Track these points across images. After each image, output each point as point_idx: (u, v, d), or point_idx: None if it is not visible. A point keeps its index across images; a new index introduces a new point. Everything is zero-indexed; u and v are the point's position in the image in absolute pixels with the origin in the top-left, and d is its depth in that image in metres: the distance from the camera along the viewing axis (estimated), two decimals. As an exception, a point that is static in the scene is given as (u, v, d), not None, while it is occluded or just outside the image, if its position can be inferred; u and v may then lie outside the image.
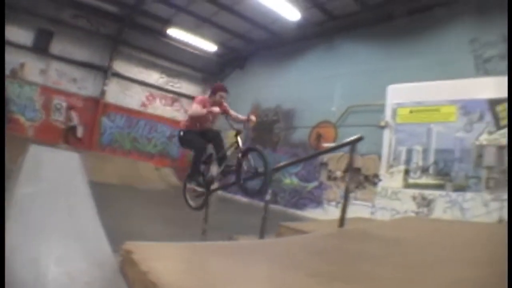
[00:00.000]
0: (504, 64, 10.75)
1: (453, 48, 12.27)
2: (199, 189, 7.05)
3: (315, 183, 15.78)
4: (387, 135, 13.11)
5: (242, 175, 6.16)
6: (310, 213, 15.06)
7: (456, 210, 10.75)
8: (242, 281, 3.08)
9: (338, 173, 14.66)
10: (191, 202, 7.31)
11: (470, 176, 10.85)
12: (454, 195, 10.96)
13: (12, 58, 16.50)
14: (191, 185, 7.27)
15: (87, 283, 3.08)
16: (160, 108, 22.17)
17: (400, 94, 12.97)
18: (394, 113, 13.04)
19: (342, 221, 5.79)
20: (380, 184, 12.88)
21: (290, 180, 16.74)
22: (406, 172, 12.33)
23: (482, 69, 11.55)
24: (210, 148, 6.90)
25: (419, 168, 12.09)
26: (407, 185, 12.15)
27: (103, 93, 19.79)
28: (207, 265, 3.48)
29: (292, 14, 15.65)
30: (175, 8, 17.37)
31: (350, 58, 15.76)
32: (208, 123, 6.78)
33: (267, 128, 18.62)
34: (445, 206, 11.03)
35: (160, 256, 3.40)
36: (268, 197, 6.88)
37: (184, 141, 6.83)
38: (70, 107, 18.82)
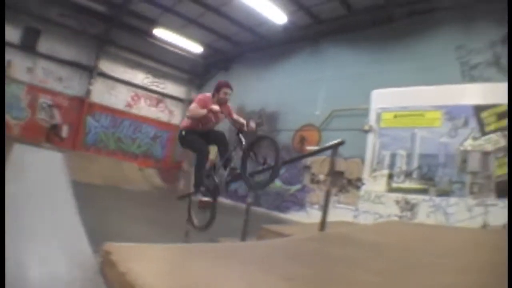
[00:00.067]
0: (490, 71, 10.90)
1: (439, 54, 12.18)
2: (205, 198, 6.23)
3: (298, 186, 15.59)
4: (371, 139, 12.92)
5: (247, 170, 5.77)
6: (293, 215, 14.89)
7: (440, 214, 10.62)
8: (218, 283, 3.01)
9: (321, 177, 14.43)
10: (195, 220, 6.57)
11: (454, 181, 10.77)
12: (437, 199, 10.84)
13: (-1, 56, 15.90)
14: (197, 198, 6.36)
15: (67, 283, 3.07)
16: (145, 108, 21.75)
17: (385, 99, 12.82)
18: (379, 117, 12.85)
19: (323, 224, 5.75)
20: (364, 188, 12.67)
21: (273, 182, 16.23)
22: (390, 176, 12.18)
23: (468, 75, 11.53)
24: (213, 152, 6.27)
25: (402, 172, 11.95)
26: (391, 189, 11.99)
27: (88, 92, 19.34)
28: (186, 267, 3.41)
29: (279, 17, 15.41)
30: (162, 8, 17.01)
31: (335, 62, 15.59)
32: (211, 124, 6.21)
33: (251, 131, 18.12)
34: (428, 210, 10.89)
35: (139, 258, 3.32)
36: (249, 200, 6.59)
37: (185, 142, 6.22)
38: (52, 105, 18.22)
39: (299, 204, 15.23)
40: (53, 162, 8.92)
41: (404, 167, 11.94)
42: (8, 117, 16.82)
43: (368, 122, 13.00)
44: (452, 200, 10.51)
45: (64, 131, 18.74)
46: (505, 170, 9.73)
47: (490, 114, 10.40)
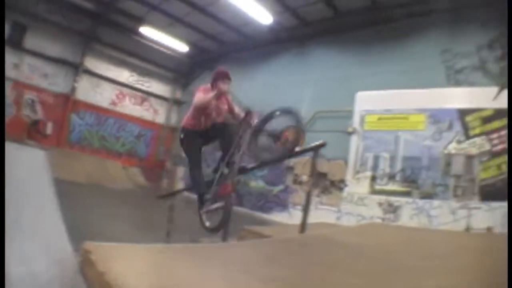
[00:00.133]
0: (475, 75, 10.84)
1: (425, 58, 12.04)
2: (217, 205, 5.36)
3: (281, 187, 15.35)
4: (354, 141, 12.81)
5: (256, 148, 5.37)
6: (276, 216, 14.64)
7: (423, 217, 10.55)
8: (197, 284, 3.00)
9: (304, 178, 14.13)
10: (208, 223, 5.59)
11: (437, 184, 10.71)
12: (421, 202, 10.77)
13: (-16, 52, 15.35)
14: (208, 207, 5.43)
15: (47, 282, 3.02)
16: (130, 107, 21.18)
17: (369, 101, 12.72)
18: (362, 119, 12.76)
19: (303, 226, 5.66)
20: (346, 190, 12.56)
21: (256, 183, 16.21)
22: (373, 178, 12.09)
23: (453, 79, 11.42)
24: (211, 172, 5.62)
25: (386, 174, 11.86)
26: (374, 191, 11.90)
27: (73, 89, 18.73)
28: (166, 267, 3.35)
29: (265, 18, 15.12)
30: (148, 6, 16.59)
31: (321, 63, 15.35)
32: (214, 116, 5.52)
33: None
34: (411, 213, 10.81)
35: (119, 257, 3.24)
36: (231, 200, 6.13)
37: (182, 144, 5.63)
38: (35, 100, 17.64)
39: (282, 204, 14.98)
40: (35, 159, 8.53)
41: (387, 170, 11.84)
42: (-7, 113, 16.23)
43: (351, 124, 12.85)
44: (436, 202, 10.44)
45: (49, 128, 18.16)
46: (489, 173, 9.79)
47: (474, 118, 10.38)
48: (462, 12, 11.44)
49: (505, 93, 9.73)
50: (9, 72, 16.42)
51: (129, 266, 3.10)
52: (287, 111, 5.32)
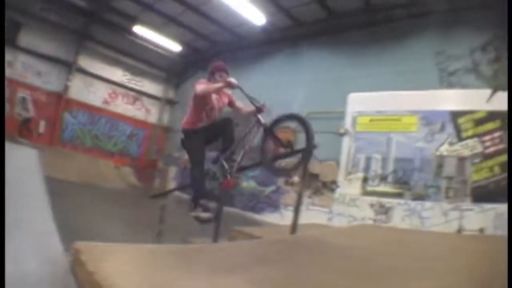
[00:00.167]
0: (468, 78, 10.78)
1: (418, 60, 11.94)
2: (206, 215, 5.25)
3: (273, 188, 15.17)
4: (346, 142, 12.75)
5: (267, 154, 5.25)
6: (267, 217, 14.48)
7: (415, 218, 10.48)
8: (184, 285, 3.01)
9: (296, 178, 13.93)
10: (201, 214, 5.37)
11: (429, 185, 10.63)
12: (413, 203, 10.70)
13: (-21, 50, 15.13)
14: (196, 212, 5.23)
15: (38, 281, 2.99)
16: (122, 106, 20.92)
17: (361, 103, 12.66)
18: (354, 121, 12.70)
19: (294, 227, 5.68)
20: (338, 191, 12.48)
21: (248, 183, 16.05)
22: (365, 179, 12.02)
23: (446, 81, 11.32)
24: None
25: (377, 176, 11.79)
26: (365, 193, 11.82)
27: (66, 88, 18.46)
28: (154, 267, 3.37)
29: (258, 18, 14.97)
30: (142, 5, 16.39)
31: (313, 64, 15.21)
32: (215, 110, 5.37)
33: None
34: (403, 214, 10.74)
35: (109, 257, 3.25)
36: (221, 200, 6.09)
37: (184, 144, 5.43)
38: (27, 98, 17.37)
39: (274, 205, 14.83)
40: (27, 158, 8.58)
41: (379, 171, 11.77)
42: (-13, 112, 16.02)
43: (343, 126, 12.80)
44: (428, 204, 10.38)
45: (42, 127, 17.91)
46: (481, 175, 9.74)
47: (467, 120, 10.34)
48: (456, 14, 11.36)
49: (498, 95, 9.69)
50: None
51: (119, 266, 3.13)
52: (298, 119, 5.24)
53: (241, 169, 5.50)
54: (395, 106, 11.78)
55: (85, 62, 18.97)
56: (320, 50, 15.23)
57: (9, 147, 10.07)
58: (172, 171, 20.34)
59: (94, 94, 19.60)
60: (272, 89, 15.58)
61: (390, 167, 11.54)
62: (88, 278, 2.80)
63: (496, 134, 9.71)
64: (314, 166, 12.54)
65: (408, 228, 9.94)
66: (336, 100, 13.13)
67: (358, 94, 12.65)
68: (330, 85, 13.97)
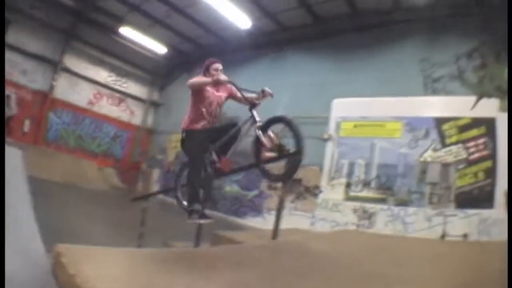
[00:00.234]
0: (453, 84, 10.71)
1: (402, 66, 11.87)
2: (201, 221, 4.69)
3: (256, 192, 14.91)
4: (330, 147, 12.61)
5: (262, 155, 4.88)
6: (250, 221, 14.24)
7: (398, 224, 10.39)
8: None
9: (279, 183, 13.68)
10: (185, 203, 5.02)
11: (413, 191, 10.55)
12: (396, 209, 10.60)
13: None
14: (191, 219, 4.56)
15: (20, 283, 2.98)
16: (107, 107, 20.47)
17: (345, 108, 12.59)
18: (338, 126, 12.60)
19: (275, 232, 5.75)
20: (321, 196, 12.34)
21: (231, 187, 15.77)
22: (348, 185, 11.90)
23: (431, 88, 11.25)
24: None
25: (361, 181, 11.68)
26: (348, 198, 11.68)
27: (51, 87, 18.00)
28: (134, 271, 3.40)
29: (243, 22, 14.77)
30: (129, 6, 16.09)
31: (298, 69, 15.02)
32: (215, 105, 5.01)
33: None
34: (386, 219, 10.64)
35: (90, 260, 3.28)
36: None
37: (184, 145, 5.00)
38: (10, 96, 16.85)
39: (256, 210, 14.58)
40: (9, 157, 8.07)
41: (362, 176, 11.67)
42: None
43: (327, 131, 12.67)
44: (411, 209, 10.29)
45: (26, 126, 17.40)
46: (465, 181, 9.68)
47: (451, 126, 10.29)
48: (442, 21, 11.30)
49: (483, 102, 9.66)
50: (-11, 67, 15.76)
51: (99, 269, 3.14)
52: (279, 120, 4.89)
53: (234, 170, 5.18)
54: (379, 112, 11.69)
55: (71, 61, 18.54)
56: (305, 55, 15.06)
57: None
58: (156, 173, 19.99)
59: (79, 94, 19.15)
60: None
61: (374, 172, 11.43)
62: (69, 280, 2.84)
63: (481, 141, 9.67)
64: (297, 171, 12.21)
65: (391, 233, 9.85)
66: (321, 105, 13.01)
67: (342, 99, 12.54)
68: (314, 90, 13.79)
